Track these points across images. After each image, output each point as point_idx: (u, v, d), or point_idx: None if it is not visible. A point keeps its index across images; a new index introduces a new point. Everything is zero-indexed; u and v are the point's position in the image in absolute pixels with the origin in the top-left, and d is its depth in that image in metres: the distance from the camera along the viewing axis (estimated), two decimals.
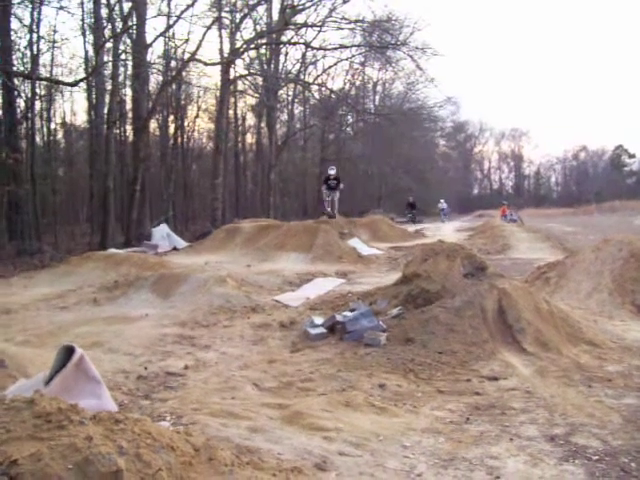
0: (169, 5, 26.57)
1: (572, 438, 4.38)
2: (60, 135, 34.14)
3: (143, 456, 2.33)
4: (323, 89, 38.57)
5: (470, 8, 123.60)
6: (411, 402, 5.30)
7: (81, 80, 23.40)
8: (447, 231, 29.71)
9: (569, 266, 10.53)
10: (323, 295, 10.96)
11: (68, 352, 3.55)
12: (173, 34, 28.83)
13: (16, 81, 23.29)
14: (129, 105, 29.75)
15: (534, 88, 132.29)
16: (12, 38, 23.23)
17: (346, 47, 33.94)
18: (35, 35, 24.07)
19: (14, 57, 23.66)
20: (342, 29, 31.35)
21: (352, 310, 7.95)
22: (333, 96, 38.27)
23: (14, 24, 23.39)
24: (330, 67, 41.38)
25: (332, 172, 21.32)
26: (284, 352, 7.42)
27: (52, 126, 30.16)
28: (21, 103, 25.27)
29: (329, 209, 21.46)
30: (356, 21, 29.64)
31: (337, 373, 6.09)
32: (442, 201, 44.48)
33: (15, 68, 23.02)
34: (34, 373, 5.10)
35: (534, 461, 4.01)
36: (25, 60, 24.56)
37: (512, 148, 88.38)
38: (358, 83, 45.93)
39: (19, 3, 22.23)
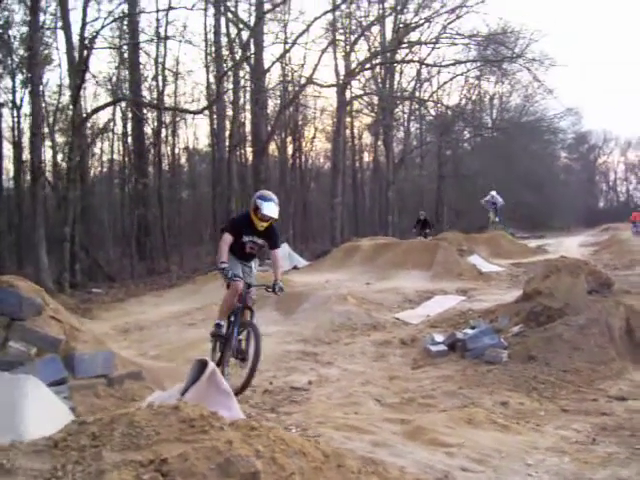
0: (285, 32, 27.54)
1: None
2: (183, 159, 35.70)
3: (278, 460, 2.52)
4: (439, 105, 38.34)
5: (588, 13, 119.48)
6: (534, 420, 5.25)
7: (205, 108, 24.58)
8: (570, 246, 28.77)
9: None
10: (443, 313, 10.93)
11: (201, 366, 3.81)
12: (289, 59, 29.76)
13: (144, 110, 24.79)
14: (249, 128, 30.75)
15: None
16: (141, 71, 24.97)
17: (461, 62, 33.78)
18: (161, 67, 25.61)
19: (142, 88, 25.35)
20: (456, 44, 31.29)
21: (473, 327, 7.95)
22: (449, 112, 37.92)
23: (142, 58, 25.12)
24: (445, 83, 41.17)
25: (272, 213, 6.39)
26: (405, 369, 7.50)
27: (176, 151, 31.64)
28: (149, 131, 26.85)
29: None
30: (470, 36, 29.46)
31: (458, 390, 6.11)
32: (493, 193, 29.07)
33: (143, 99, 24.57)
34: (167, 385, 5.46)
35: None
36: (152, 91, 26.16)
37: None
38: (474, 98, 45.21)
39: (147, 41, 23.81)
